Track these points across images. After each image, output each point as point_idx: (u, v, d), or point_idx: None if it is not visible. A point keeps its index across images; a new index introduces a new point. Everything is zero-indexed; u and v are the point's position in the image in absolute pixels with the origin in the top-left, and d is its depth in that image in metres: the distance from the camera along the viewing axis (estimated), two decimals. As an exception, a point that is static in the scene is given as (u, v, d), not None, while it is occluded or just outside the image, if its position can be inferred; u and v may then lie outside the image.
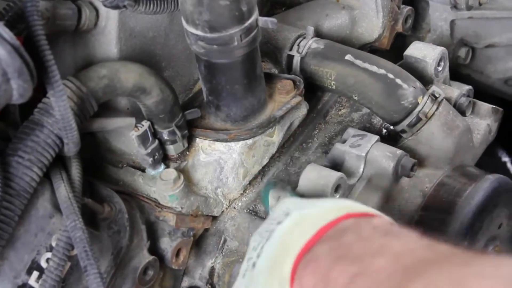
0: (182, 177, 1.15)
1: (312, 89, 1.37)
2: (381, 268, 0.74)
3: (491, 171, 1.26)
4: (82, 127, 1.02)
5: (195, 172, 1.23)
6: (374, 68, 1.26)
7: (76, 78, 1.02)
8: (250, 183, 1.29)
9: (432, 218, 1.22)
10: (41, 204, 0.97)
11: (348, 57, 1.30)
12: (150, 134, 1.14)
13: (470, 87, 1.39)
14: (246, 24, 1.03)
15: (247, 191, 1.29)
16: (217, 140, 1.21)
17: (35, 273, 0.96)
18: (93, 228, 1.05)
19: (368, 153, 1.22)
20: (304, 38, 1.37)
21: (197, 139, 1.23)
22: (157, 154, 1.17)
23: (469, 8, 1.55)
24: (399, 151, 1.22)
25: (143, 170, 1.21)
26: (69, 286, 1.01)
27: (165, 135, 1.17)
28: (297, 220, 0.92)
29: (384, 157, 1.21)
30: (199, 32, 1.02)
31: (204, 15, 0.99)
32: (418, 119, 1.25)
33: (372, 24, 1.50)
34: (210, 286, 1.26)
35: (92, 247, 0.96)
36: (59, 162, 1.01)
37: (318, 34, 1.41)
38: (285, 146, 1.35)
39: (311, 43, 1.35)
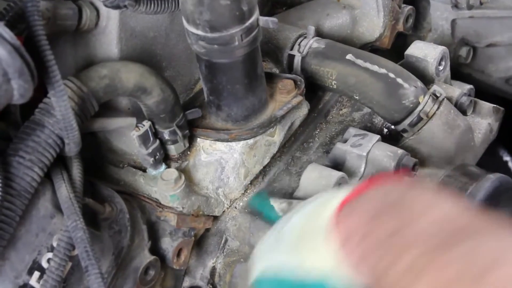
0: (183, 177, 1.15)
1: (313, 89, 1.37)
2: (423, 228, 0.75)
3: (492, 170, 1.26)
4: (83, 127, 1.02)
5: (196, 172, 1.23)
6: (375, 68, 1.27)
7: (77, 78, 1.02)
8: (251, 183, 1.29)
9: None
10: (42, 204, 0.97)
11: (349, 56, 1.30)
12: (151, 134, 1.14)
13: (471, 86, 1.39)
14: (247, 23, 1.03)
15: (248, 191, 1.29)
16: (218, 140, 1.21)
17: (36, 273, 0.96)
18: (94, 228, 1.05)
19: (369, 153, 1.22)
20: (305, 37, 1.37)
21: (198, 139, 1.23)
22: (158, 154, 1.17)
23: (470, 7, 1.55)
24: (400, 151, 1.21)
25: (144, 170, 1.21)
26: (70, 286, 1.01)
27: (166, 135, 1.17)
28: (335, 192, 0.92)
29: (385, 156, 1.21)
30: (199, 32, 1.02)
31: (204, 15, 0.99)
32: (419, 119, 1.25)
33: (373, 23, 1.50)
34: (211, 286, 1.26)
35: (93, 247, 0.96)
36: (60, 162, 1.01)
37: (319, 33, 1.41)
38: (286, 146, 1.35)
39: (312, 43, 1.35)
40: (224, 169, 1.23)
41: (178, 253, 1.20)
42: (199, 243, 1.27)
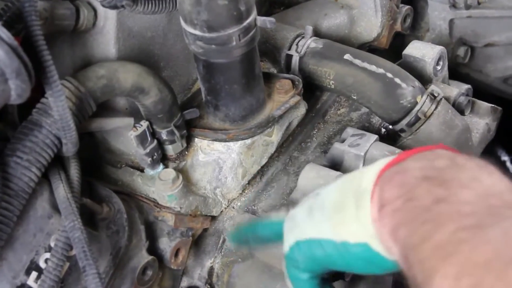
0: (181, 177, 1.15)
1: (311, 89, 1.37)
2: (466, 201, 0.73)
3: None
4: (80, 127, 1.02)
5: (194, 172, 1.24)
6: (373, 68, 1.27)
7: (74, 78, 1.02)
8: (249, 183, 1.29)
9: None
10: (39, 204, 0.97)
11: (347, 56, 1.30)
12: (149, 134, 1.14)
13: (469, 86, 1.39)
14: (245, 23, 1.03)
15: (246, 191, 1.29)
16: (215, 140, 1.21)
17: (34, 274, 0.96)
18: (92, 228, 1.05)
19: (367, 153, 1.21)
20: (303, 37, 1.37)
21: (196, 139, 1.23)
22: (155, 154, 1.17)
23: (468, 7, 1.56)
24: (398, 151, 1.21)
25: (142, 170, 1.22)
26: (68, 287, 1.01)
27: (164, 135, 1.17)
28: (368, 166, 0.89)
29: (383, 156, 1.21)
30: (197, 32, 1.03)
31: (202, 15, 1.00)
32: (417, 118, 1.25)
33: (371, 23, 1.50)
34: (209, 286, 1.26)
35: (91, 247, 0.96)
36: (58, 162, 1.01)
37: (317, 33, 1.42)
38: (284, 146, 1.35)
39: (310, 43, 1.35)
40: (222, 169, 1.23)
41: (176, 253, 1.20)
42: (197, 243, 1.27)
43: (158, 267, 1.18)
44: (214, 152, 1.23)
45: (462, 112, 1.34)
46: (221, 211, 1.27)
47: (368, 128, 1.39)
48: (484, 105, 1.40)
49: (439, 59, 1.35)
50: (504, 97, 1.72)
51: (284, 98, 1.24)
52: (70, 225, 0.95)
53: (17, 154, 0.92)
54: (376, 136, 1.24)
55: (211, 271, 1.26)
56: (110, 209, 1.08)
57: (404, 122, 1.26)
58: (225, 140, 1.21)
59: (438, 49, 1.35)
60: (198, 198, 1.20)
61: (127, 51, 1.16)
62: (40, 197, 0.97)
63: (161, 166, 1.20)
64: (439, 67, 1.36)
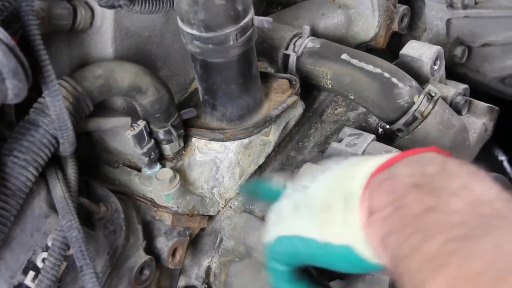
0: (178, 176, 1.15)
1: (308, 88, 1.37)
2: (456, 210, 0.72)
3: (487, 169, 1.26)
4: (77, 126, 1.02)
5: (191, 172, 1.24)
6: (370, 67, 1.27)
7: (71, 78, 1.02)
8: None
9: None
10: (37, 204, 0.97)
11: (344, 56, 1.30)
12: (146, 133, 1.14)
13: (466, 86, 1.39)
14: (242, 23, 1.04)
15: (243, 191, 1.29)
16: (213, 139, 1.21)
17: (31, 273, 0.96)
18: (89, 227, 1.05)
19: (364, 152, 1.22)
20: (300, 37, 1.37)
21: (193, 139, 1.23)
22: (153, 153, 1.17)
23: (465, 7, 1.56)
24: (395, 150, 1.21)
25: (139, 170, 1.22)
26: (65, 286, 1.01)
27: (161, 135, 1.17)
28: (362, 158, 0.88)
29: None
30: (194, 32, 1.03)
31: (199, 15, 1.00)
32: (414, 118, 1.25)
33: (368, 23, 1.50)
34: (206, 286, 1.26)
35: (88, 246, 0.96)
36: (55, 162, 1.01)
37: (314, 33, 1.42)
38: (281, 145, 1.35)
39: (307, 42, 1.35)
40: (219, 169, 1.23)
41: (173, 253, 1.20)
42: (194, 243, 1.27)
43: (156, 267, 1.18)
44: (211, 152, 1.23)
45: (459, 112, 1.34)
46: (219, 211, 1.27)
47: (365, 127, 1.39)
48: (481, 105, 1.40)
49: (436, 59, 1.35)
50: (501, 97, 1.73)
51: (281, 98, 1.24)
52: (67, 225, 0.95)
53: (14, 154, 0.92)
54: (373, 136, 1.24)
55: (208, 270, 1.26)
56: (107, 209, 1.08)
57: (401, 121, 1.26)
58: (222, 140, 1.21)
59: (435, 49, 1.35)
60: (195, 197, 1.20)
61: (124, 50, 1.16)
62: (37, 196, 0.97)
63: (158, 165, 1.20)
64: (436, 67, 1.36)
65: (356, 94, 1.29)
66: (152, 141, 1.16)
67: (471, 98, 1.41)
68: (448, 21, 1.67)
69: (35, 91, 0.93)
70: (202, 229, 1.27)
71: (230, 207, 1.28)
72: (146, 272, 1.16)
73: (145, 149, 1.15)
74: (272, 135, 1.27)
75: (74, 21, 1.09)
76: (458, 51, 1.69)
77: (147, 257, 1.15)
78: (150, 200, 1.18)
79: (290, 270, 0.95)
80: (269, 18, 1.10)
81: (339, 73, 1.30)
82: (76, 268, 0.97)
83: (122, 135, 1.17)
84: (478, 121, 1.39)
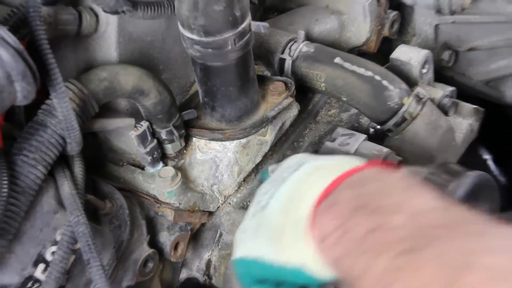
0: (179, 174, 1.15)
1: (303, 91, 1.37)
2: (398, 225, 0.72)
3: (472, 168, 1.26)
4: (84, 127, 1.02)
5: (192, 170, 1.24)
6: (361, 71, 1.27)
7: (77, 81, 1.02)
8: (244, 180, 1.29)
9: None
10: (45, 200, 0.97)
11: (337, 60, 1.30)
12: (149, 133, 1.15)
13: (453, 88, 1.39)
14: (240, 28, 1.04)
15: (242, 188, 1.29)
16: (212, 139, 1.21)
17: (41, 266, 0.96)
18: (96, 223, 1.05)
19: (356, 152, 1.22)
20: (295, 42, 1.37)
21: (194, 139, 1.23)
22: (155, 152, 1.18)
23: (452, 13, 1.56)
24: (385, 149, 1.22)
25: (142, 168, 1.22)
26: (73, 278, 1.01)
27: (163, 135, 1.17)
28: (314, 167, 0.89)
29: (371, 155, 1.21)
30: (194, 36, 1.03)
31: (199, 20, 1.00)
32: (404, 119, 1.25)
33: (360, 28, 1.50)
34: (207, 277, 1.26)
35: (95, 241, 0.96)
36: (63, 160, 1.01)
37: (309, 38, 1.42)
38: (278, 145, 1.35)
39: (302, 47, 1.35)
40: (218, 167, 1.23)
41: (175, 247, 1.20)
42: (195, 237, 1.27)
43: (159, 260, 1.18)
44: (211, 151, 1.23)
45: (446, 113, 1.34)
46: (218, 207, 1.27)
47: (357, 128, 1.39)
48: (467, 106, 1.40)
49: (425, 63, 1.35)
50: (486, 99, 1.72)
51: (278, 100, 1.24)
52: (75, 220, 0.95)
53: (23, 153, 0.92)
54: (364, 136, 1.24)
55: (208, 263, 1.26)
56: (112, 205, 1.08)
57: (391, 122, 1.26)
58: (221, 140, 1.21)
59: (424, 53, 1.35)
60: (196, 194, 1.20)
61: (128, 54, 1.16)
62: (46, 193, 0.97)
63: (161, 164, 1.20)
64: (425, 70, 1.36)
65: (348, 96, 1.29)
66: (155, 141, 1.16)
67: (457, 100, 1.40)
68: (436, 27, 1.66)
69: (43, 93, 0.93)
70: (203, 224, 1.27)
71: (229, 203, 1.28)
72: (150, 264, 1.16)
73: (148, 149, 1.15)
74: (269, 135, 1.27)
75: (79, 27, 1.09)
76: (446, 55, 1.69)
77: (151, 250, 1.15)
78: (153, 197, 1.18)
79: (259, 281, 0.92)
80: (265, 24, 1.10)
81: (333, 76, 1.30)
82: (83, 261, 0.98)
83: (126, 135, 1.17)
84: (465, 122, 1.39)
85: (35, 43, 0.90)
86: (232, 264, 0.96)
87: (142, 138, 1.14)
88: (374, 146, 1.23)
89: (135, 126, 1.14)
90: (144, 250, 1.14)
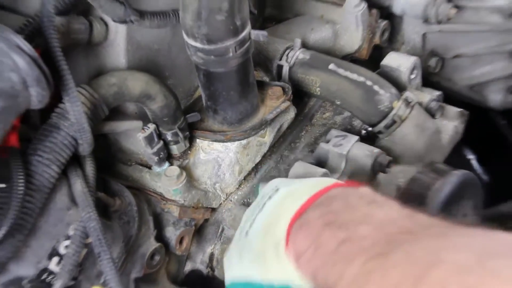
0: (184, 173, 1.15)
1: (300, 95, 1.38)
2: (365, 235, 0.74)
3: (457, 167, 1.26)
4: (95, 129, 1.02)
5: (196, 169, 1.24)
6: (354, 76, 1.27)
7: (89, 86, 1.02)
8: (244, 178, 1.29)
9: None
10: (59, 198, 0.97)
11: (331, 66, 1.30)
12: (156, 135, 1.15)
13: (440, 92, 1.39)
14: (240, 37, 1.04)
15: (242, 186, 1.29)
16: (215, 140, 1.21)
17: (55, 259, 0.96)
18: (106, 219, 1.05)
19: (349, 152, 1.22)
20: (292, 49, 1.37)
21: (198, 140, 1.23)
22: (162, 153, 1.18)
23: (439, 22, 1.56)
24: (376, 150, 1.22)
25: (149, 168, 1.22)
26: (85, 270, 1.01)
27: (169, 136, 1.17)
28: (287, 192, 0.91)
29: (363, 155, 1.22)
30: (198, 44, 1.03)
31: (202, 29, 1.00)
32: (393, 121, 1.25)
33: (353, 37, 1.50)
34: (210, 269, 1.26)
35: (105, 235, 0.96)
36: (75, 160, 1.01)
37: (305, 46, 1.41)
38: (276, 146, 1.35)
39: (299, 54, 1.35)
40: (220, 167, 1.23)
41: (181, 241, 1.20)
42: (199, 232, 1.27)
43: (165, 253, 1.18)
44: (213, 152, 1.23)
45: (433, 116, 1.34)
46: (220, 204, 1.27)
47: (350, 130, 1.39)
48: (453, 110, 1.40)
49: (413, 69, 1.35)
50: (470, 102, 1.72)
51: (276, 104, 1.24)
52: (86, 216, 0.95)
53: (38, 153, 0.93)
54: (357, 137, 1.25)
55: (211, 256, 1.26)
56: (122, 202, 1.08)
57: (382, 124, 1.26)
58: (223, 141, 1.21)
59: (412, 60, 1.35)
60: (199, 192, 1.20)
61: (136, 61, 1.16)
62: (59, 191, 0.97)
63: (167, 164, 1.20)
64: (413, 76, 1.36)
65: (342, 100, 1.29)
66: (161, 142, 1.16)
67: (444, 104, 1.40)
68: (424, 35, 1.66)
69: (56, 97, 0.93)
70: (206, 220, 1.27)
71: (231, 200, 1.28)
72: (157, 258, 1.16)
73: (155, 149, 1.15)
74: (268, 137, 1.27)
75: (90, 35, 1.09)
76: (433, 62, 1.69)
77: (158, 244, 1.15)
78: (160, 194, 1.18)
79: None
80: (264, 32, 1.10)
81: (327, 82, 1.30)
82: (94, 255, 0.98)
83: (134, 137, 1.17)
84: (450, 124, 1.39)
85: (49, 51, 0.90)
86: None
87: (149, 140, 1.14)
88: (366, 147, 1.23)
89: (143, 128, 1.14)
90: (151, 244, 1.14)
